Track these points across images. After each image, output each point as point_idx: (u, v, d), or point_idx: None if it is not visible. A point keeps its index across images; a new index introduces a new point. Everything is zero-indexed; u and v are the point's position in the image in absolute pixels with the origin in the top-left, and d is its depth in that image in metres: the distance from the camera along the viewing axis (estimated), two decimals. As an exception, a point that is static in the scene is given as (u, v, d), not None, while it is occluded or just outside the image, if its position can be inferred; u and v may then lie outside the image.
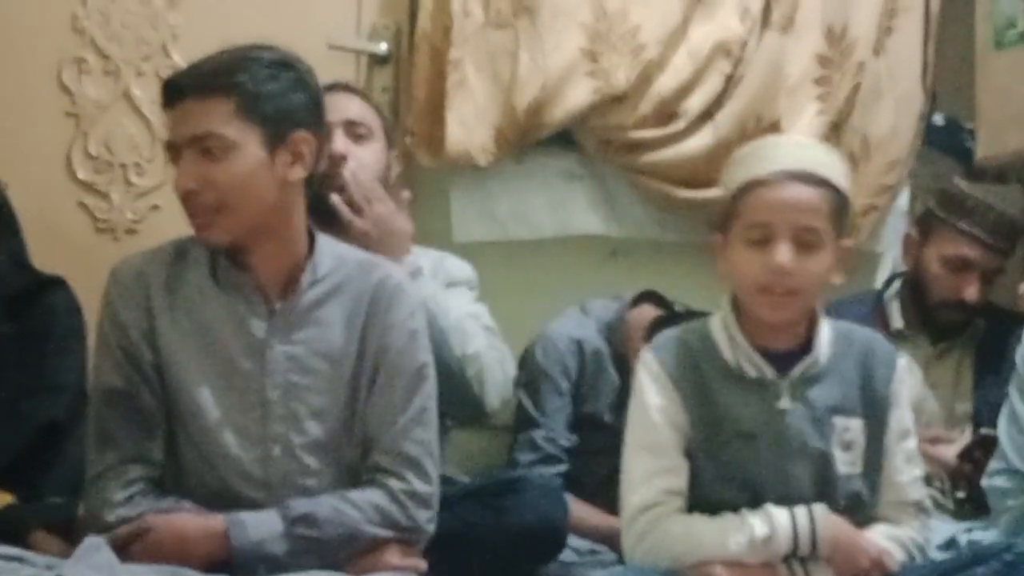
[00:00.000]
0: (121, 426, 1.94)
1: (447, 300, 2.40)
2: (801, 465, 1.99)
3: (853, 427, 2.02)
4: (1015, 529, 2.13)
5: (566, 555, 2.31)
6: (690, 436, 2.01)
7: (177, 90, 1.95)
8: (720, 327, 2.05)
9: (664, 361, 2.03)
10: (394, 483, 1.96)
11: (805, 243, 1.96)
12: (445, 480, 2.17)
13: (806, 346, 2.03)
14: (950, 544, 2.32)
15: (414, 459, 1.98)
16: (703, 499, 1.99)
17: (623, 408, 2.59)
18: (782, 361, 2.02)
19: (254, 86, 1.93)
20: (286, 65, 1.98)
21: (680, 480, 1.99)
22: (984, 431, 2.39)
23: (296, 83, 1.98)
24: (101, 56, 2.82)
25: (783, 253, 1.94)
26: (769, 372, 2.02)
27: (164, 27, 2.85)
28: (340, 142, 2.50)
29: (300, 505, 1.92)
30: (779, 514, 1.95)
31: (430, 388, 2.04)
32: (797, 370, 2.02)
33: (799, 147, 2.07)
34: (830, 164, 2.03)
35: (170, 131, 1.97)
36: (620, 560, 2.46)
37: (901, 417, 2.06)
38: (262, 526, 1.89)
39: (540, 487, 2.20)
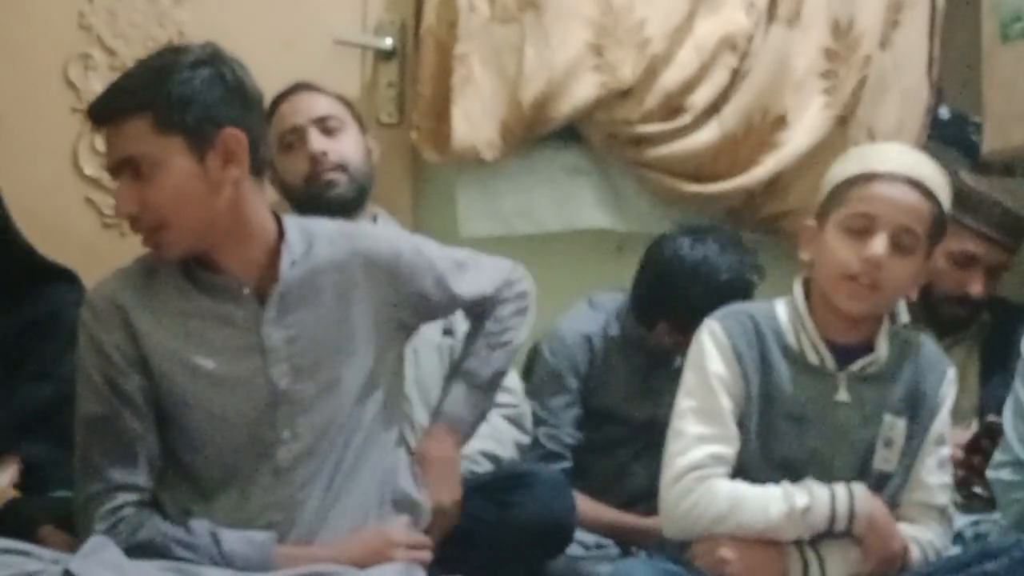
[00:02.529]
0: (102, 455, 1.92)
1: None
2: (844, 457, 2.03)
3: (898, 426, 2.06)
4: (1022, 522, 2.13)
5: (573, 549, 2.32)
6: (743, 409, 2.03)
7: (97, 118, 1.93)
8: (786, 312, 2.07)
9: (731, 331, 2.05)
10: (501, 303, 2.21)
11: (901, 244, 2.00)
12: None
13: (867, 344, 2.06)
14: (956, 537, 2.32)
15: (493, 294, 2.20)
16: (742, 475, 2.01)
17: (634, 398, 2.62)
18: (842, 354, 2.06)
19: (166, 97, 1.88)
20: (200, 64, 1.92)
21: (730, 449, 2.01)
22: (991, 418, 2.38)
23: (212, 80, 1.91)
24: (108, 53, 2.82)
25: (880, 245, 1.98)
26: (830, 362, 2.05)
27: (171, 24, 2.85)
28: (316, 140, 2.53)
29: (479, 374, 2.17)
30: (819, 488, 1.98)
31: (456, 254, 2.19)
32: (857, 365, 2.05)
33: (919, 159, 2.11)
34: (942, 184, 2.08)
35: (105, 156, 1.97)
36: (626, 554, 2.47)
37: (941, 425, 2.10)
38: (463, 409, 2.16)
39: (547, 482, 2.20)
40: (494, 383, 2.21)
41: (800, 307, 2.07)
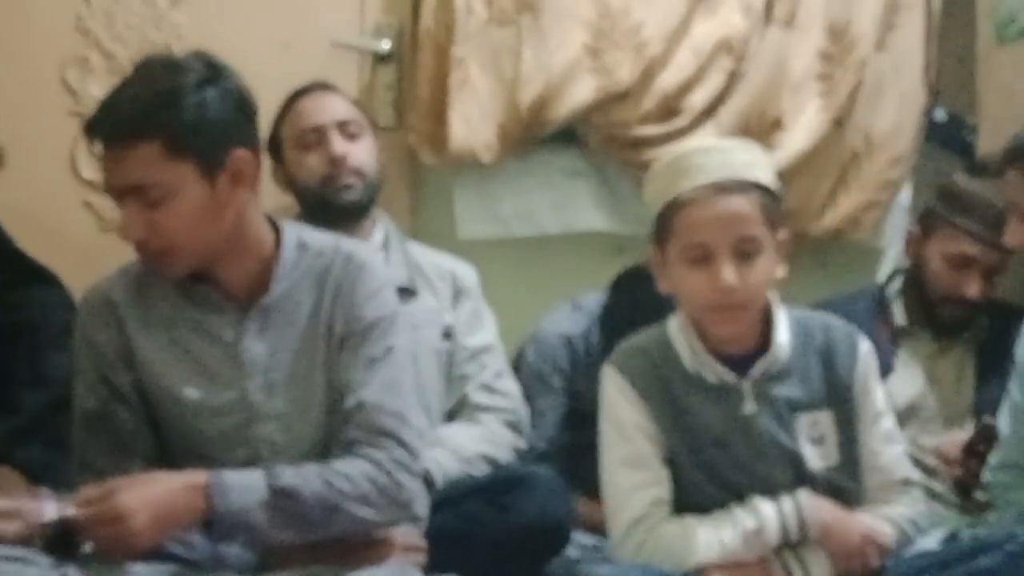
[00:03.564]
0: (98, 450, 1.94)
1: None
2: (776, 465, 1.99)
3: (822, 420, 2.02)
4: (1019, 522, 2.13)
5: (570, 551, 2.32)
6: (666, 445, 2.00)
7: (100, 137, 1.88)
8: (679, 336, 2.03)
9: (627, 373, 2.03)
10: (373, 453, 1.89)
11: (746, 253, 1.93)
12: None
13: (765, 345, 2.02)
14: (953, 538, 2.32)
15: (389, 431, 1.91)
16: (692, 502, 1.99)
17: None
18: (743, 363, 2.01)
19: (178, 121, 1.84)
20: (205, 83, 1.88)
21: (664, 490, 1.99)
22: (986, 420, 2.38)
23: (221, 99, 1.88)
24: (105, 56, 2.82)
25: (727, 272, 1.91)
26: (729, 377, 2.00)
27: (168, 27, 2.84)
28: (338, 143, 2.54)
29: (287, 476, 1.84)
30: (765, 505, 1.95)
31: (399, 360, 1.98)
32: (756, 371, 2.01)
33: (717, 153, 1.99)
34: (752, 163, 1.99)
35: (104, 174, 1.91)
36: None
37: (871, 401, 2.05)
38: (246, 492, 1.81)
39: (544, 484, 2.21)
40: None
41: (686, 329, 2.02)
